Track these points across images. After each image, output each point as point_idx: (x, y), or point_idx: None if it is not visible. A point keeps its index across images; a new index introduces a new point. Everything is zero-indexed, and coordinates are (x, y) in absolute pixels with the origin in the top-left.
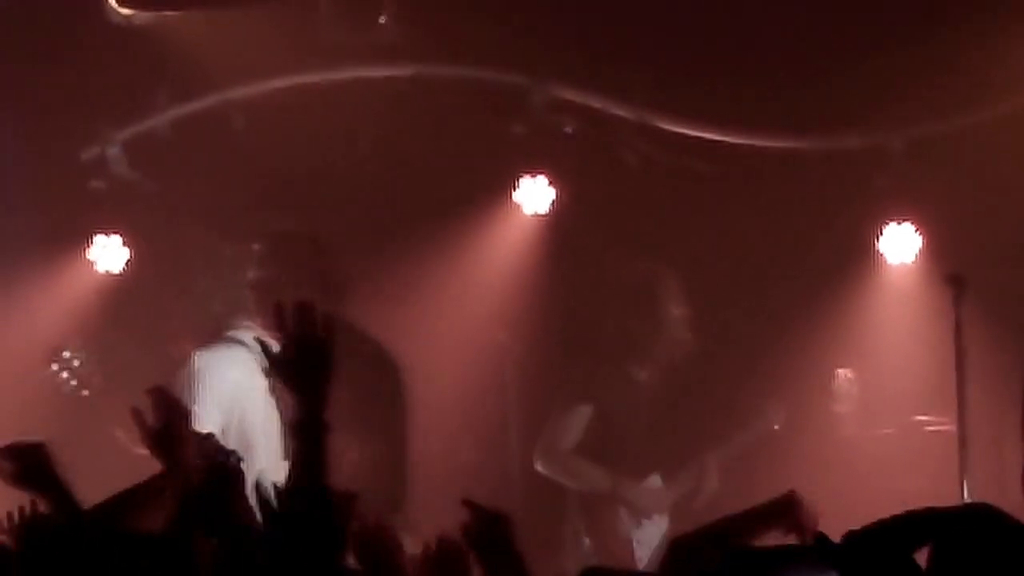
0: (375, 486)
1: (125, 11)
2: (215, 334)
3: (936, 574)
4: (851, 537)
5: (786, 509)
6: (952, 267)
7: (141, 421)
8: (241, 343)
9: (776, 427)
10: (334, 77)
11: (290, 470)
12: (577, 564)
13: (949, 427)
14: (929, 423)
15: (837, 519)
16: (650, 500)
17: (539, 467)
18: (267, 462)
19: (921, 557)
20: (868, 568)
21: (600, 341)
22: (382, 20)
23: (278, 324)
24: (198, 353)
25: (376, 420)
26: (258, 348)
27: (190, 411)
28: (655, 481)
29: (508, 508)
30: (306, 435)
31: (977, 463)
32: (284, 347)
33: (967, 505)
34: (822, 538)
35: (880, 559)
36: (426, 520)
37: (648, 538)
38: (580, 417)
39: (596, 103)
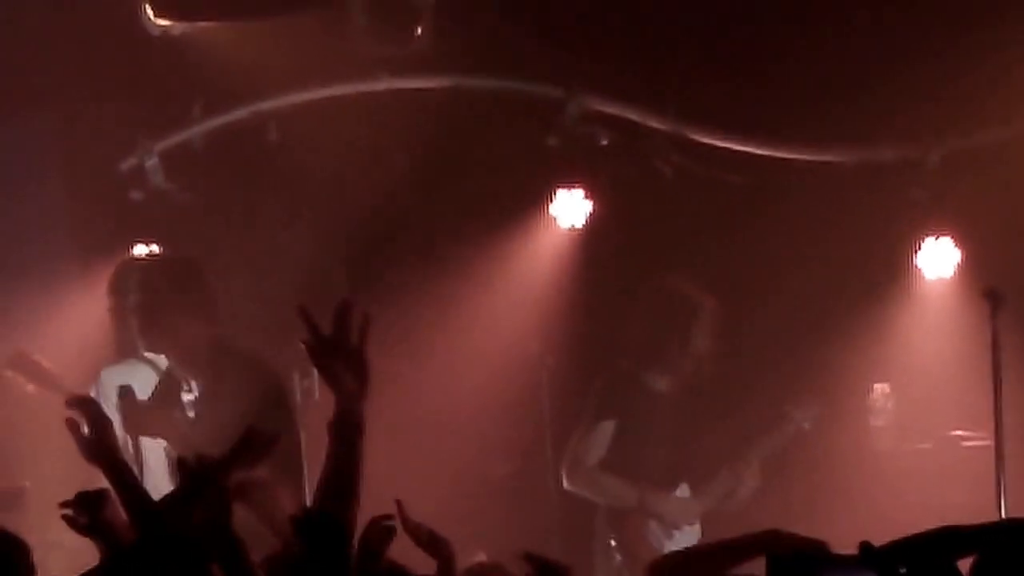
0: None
1: (162, 22)
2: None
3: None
4: (894, 546)
5: (770, 543)
6: (989, 281)
7: (76, 432)
8: (147, 361)
9: (806, 426)
10: (370, 88)
11: (325, 472)
12: None
13: (986, 441)
14: (966, 437)
15: (874, 533)
16: (680, 511)
17: (566, 484)
18: (155, 480)
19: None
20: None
21: (626, 354)
22: (419, 32)
23: (310, 326)
24: (103, 370)
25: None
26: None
27: (110, 420)
28: (684, 491)
29: (543, 522)
30: (341, 436)
31: (1014, 477)
32: (321, 348)
33: (1012, 519)
34: (867, 545)
35: (924, 568)
36: (462, 531)
37: (679, 548)
38: (604, 431)
39: (631, 115)
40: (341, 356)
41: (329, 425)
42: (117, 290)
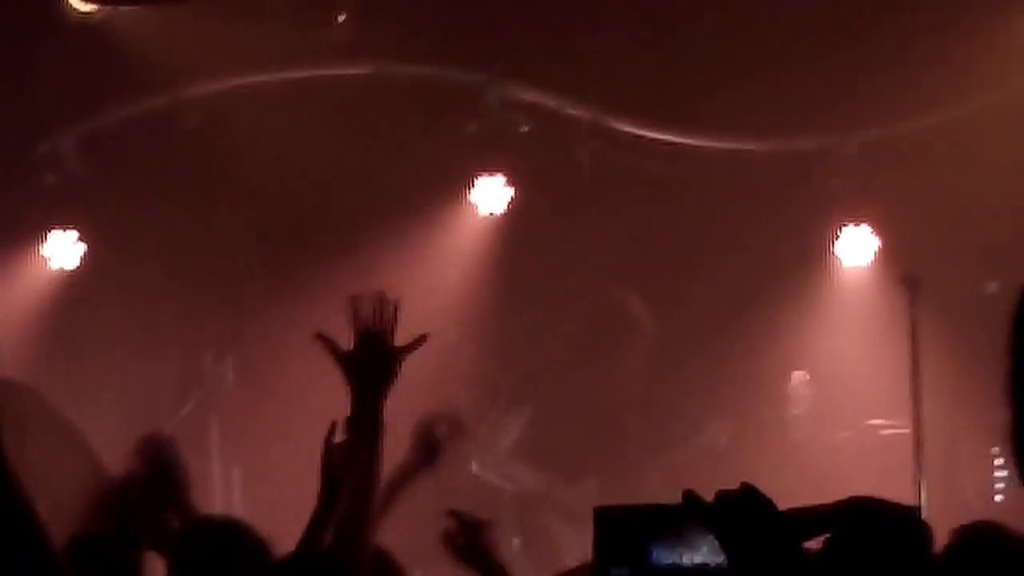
0: None
1: (83, 7)
2: None
3: (828, 558)
4: (724, 496)
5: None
6: (907, 268)
7: None
8: None
9: (720, 443)
10: (289, 76)
11: (353, 470)
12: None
13: (904, 429)
14: (885, 426)
15: None
16: (584, 503)
17: (473, 467)
18: None
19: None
20: (739, 527)
21: (547, 345)
22: (340, 19)
23: (354, 316)
24: None
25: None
26: None
27: None
28: (591, 485)
29: (444, 507)
30: (364, 430)
31: (932, 464)
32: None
33: (856, 498)
34: (692, 496)
35: (752, 519)
36: None
37: (579, 540)
38: (518, 419)
39: (551, 103)
40: (374, 352)
41: (349, 422)
42: None
